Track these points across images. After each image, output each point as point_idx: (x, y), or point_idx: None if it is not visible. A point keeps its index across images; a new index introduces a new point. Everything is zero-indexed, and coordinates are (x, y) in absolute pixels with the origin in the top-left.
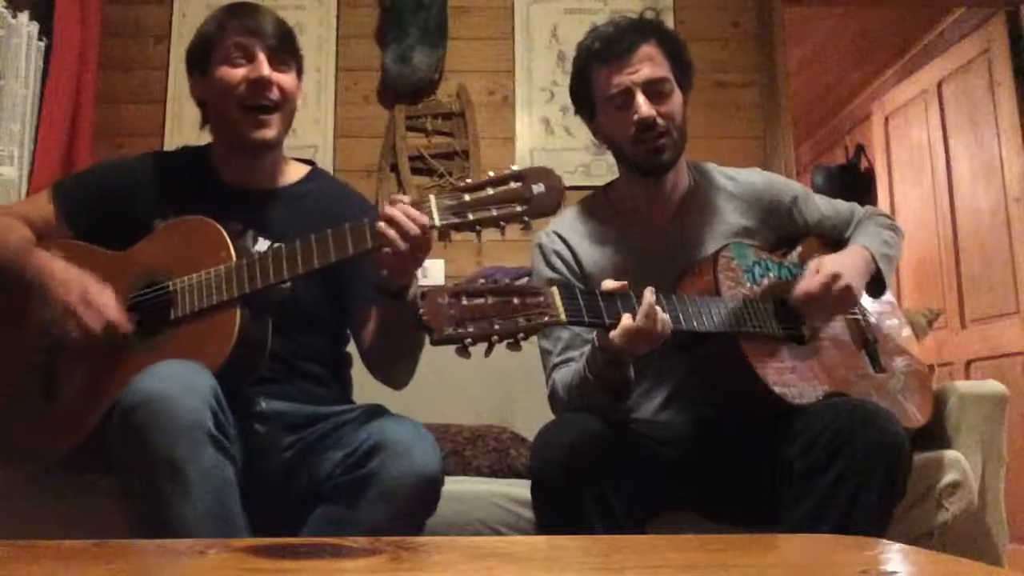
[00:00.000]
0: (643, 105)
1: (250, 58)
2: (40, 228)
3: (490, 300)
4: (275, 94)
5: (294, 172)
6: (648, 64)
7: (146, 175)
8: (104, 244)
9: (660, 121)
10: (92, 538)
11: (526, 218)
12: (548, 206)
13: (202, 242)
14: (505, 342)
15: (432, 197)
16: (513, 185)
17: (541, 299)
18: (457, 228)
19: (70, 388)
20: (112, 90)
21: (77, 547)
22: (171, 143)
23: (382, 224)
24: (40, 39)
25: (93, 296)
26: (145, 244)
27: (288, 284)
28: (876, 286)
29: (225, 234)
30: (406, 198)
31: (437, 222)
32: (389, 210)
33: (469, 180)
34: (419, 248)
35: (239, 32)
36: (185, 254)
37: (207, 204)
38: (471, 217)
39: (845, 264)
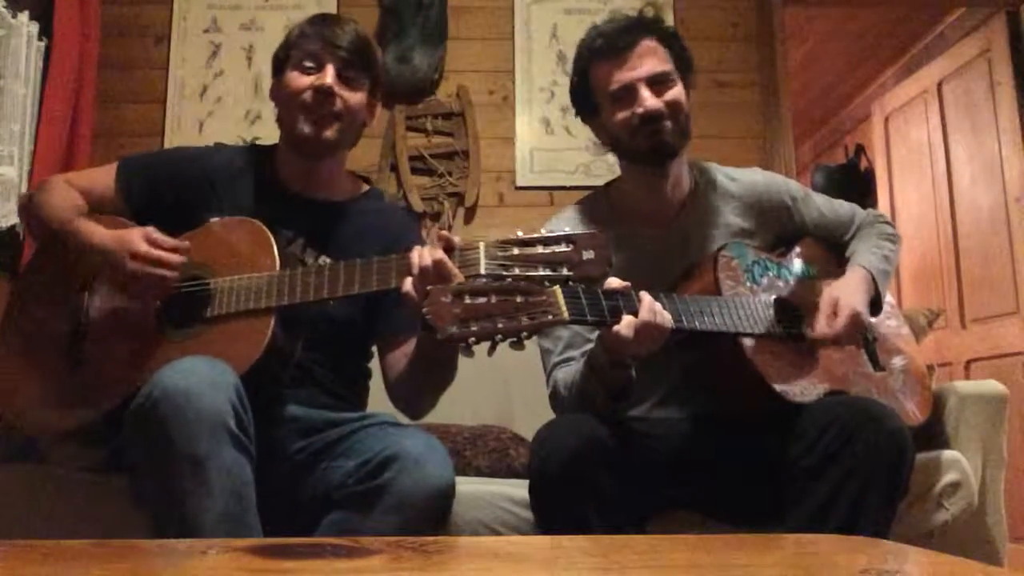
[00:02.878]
0: (648, 98)
1: (318, 67)
2: (97, 200)
3: (493, 299)
4: (337, 105)
5: (352, 187)
6: (650, 59)
7: (211, 168)
8: (158, 227)
9: (666, 112)
10: (93, 538)
11: (570, 283)
12: (594, 274)
13: (249, 245)
14: (508, 341)
15: (482, 246)
16: (564, 248)
17: (544, 298)
18: (500, 280)
19: (95, 363)
20: (112, 90)
21: (77, 547)
22: (171, 143)
23: (416, 267)
24: (40, 39)
25: (146, 251)
26: (192, 237)
27: (332, 303)
28: (874, 304)
29: (273, 241)
30: (457, 240)
31: (482, 271)
32: (435, 254)
33: (520, 233)
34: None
35: (314, 41)
36: (231, 254)
37: (264, 207)
38: (516, 273)
39: (856, 297)
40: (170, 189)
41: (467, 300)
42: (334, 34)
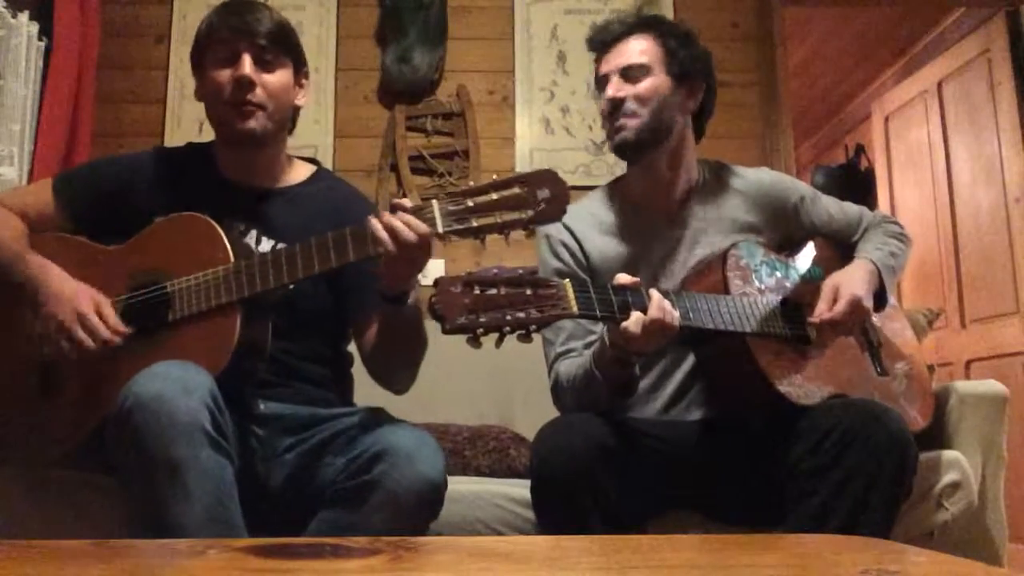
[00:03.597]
0: (611, 87)
1: (234, 58)
2: (35, 220)
3: (503, 291)
4: (258, 95)
5: (299, 172)
6: (629, 53)
7: (150, 170)
8: (104, 238)
9: (630, 103)
10: (92, 538)
11: (531, 225)
12: (554, 213)
13: (199, 240)
14: (517, 333)
15: (435, 203)
16: (518, 190)
17: (554, 291)
18: (460, 235)
19: (69, 387)
20: (112, 90)
21: (77, 547)
22: (171, 143)
23: (380, 232)
24: (40, 39)
25: (87, 315)
26: (141, 240)
27: (291, 287)
28: (878, 299)
29: (221, 233)
30: (408, 202)
31: (440, 229)
32: (387, 218)
33: (472, 183)
34: (418, 256)
35: (226, 31)
36: (181, 252)
37: (210, 202)
38: (475, 224)
39: (858, 283)
40: (114, 198)
41: (476, 291)
42: (244, 22)
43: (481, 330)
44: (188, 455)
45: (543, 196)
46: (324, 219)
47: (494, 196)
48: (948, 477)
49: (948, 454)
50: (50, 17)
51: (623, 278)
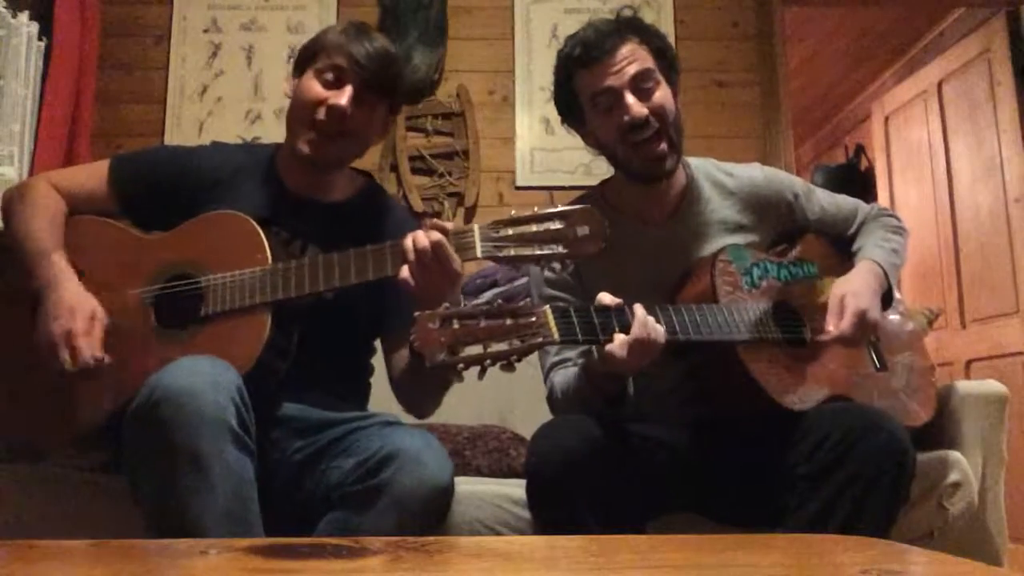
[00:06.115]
0: (633, 105)
1: (339, 84)
2: (83, 200)
3: (482, 323)
4: (346, 125)
5: (350, 185)
6: (631, 62)
7: (208, 165)
8: (148, 227)
9: (652, 119)
10: (92, 538)
11: (567, 260)
12: (589, 250)
13: (239, 240)
14: (499, 364)
15: (476, 227)
16: (557, 225)
17: (534, 319)
18: (497, 261)
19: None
20: (112, 90)
21: (77, 547)
22: (171, 142)
23: (412, 252)
24: (40, 39)
25: (76, 335)
26: (180, 233)
27: (329, 295)
28: (885, 297)
29: (263, 236)
30: (449, 225)
31: (479, 254)
32: (420, 237)
33: (514, 213)
34: (443, 281)
35: (342, 54)
36: (220, 249)
37: (264, 206)
38: (512, 253)
39: (865, 292)
40: (170, 188)
41: (455, 325)
42: (364, 53)
43: (462, 366)
44: (213, 450)
45: (582, 233)
46: (372, 236)
47: (533, 228)
48: (948, 477)
49: (948, 454)
50: (50, 17)
51: (605, 298)
